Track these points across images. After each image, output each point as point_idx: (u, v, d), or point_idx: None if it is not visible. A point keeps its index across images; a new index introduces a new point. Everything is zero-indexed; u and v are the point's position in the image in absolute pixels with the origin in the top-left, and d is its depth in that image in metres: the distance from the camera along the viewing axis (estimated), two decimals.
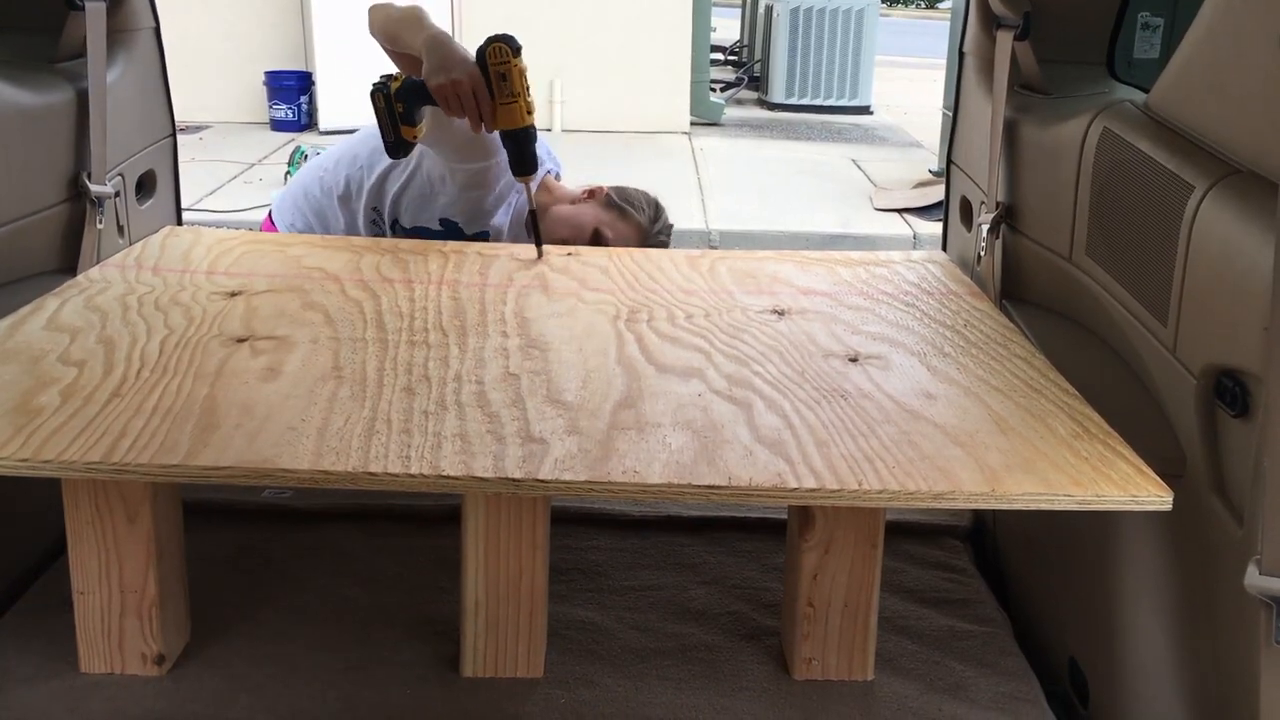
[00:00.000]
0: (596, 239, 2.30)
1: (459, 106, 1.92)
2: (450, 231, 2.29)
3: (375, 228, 2.35)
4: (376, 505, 2.00)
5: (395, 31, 2.02)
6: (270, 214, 2.47)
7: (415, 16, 2.01)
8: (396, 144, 1.98)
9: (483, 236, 2.31)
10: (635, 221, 2.33)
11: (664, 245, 2.37)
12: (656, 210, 2.41)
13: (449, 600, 1.67)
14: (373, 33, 2.08)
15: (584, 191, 2.36)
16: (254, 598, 1.74)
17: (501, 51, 1.90)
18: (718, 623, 1.74)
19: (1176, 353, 1.41)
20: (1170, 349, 1.42)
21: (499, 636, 1.56)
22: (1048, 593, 1.81)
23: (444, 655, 1.62)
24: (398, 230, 2.33)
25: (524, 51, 1.95)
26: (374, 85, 1.95)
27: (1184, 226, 1.39)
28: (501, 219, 2.32)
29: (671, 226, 2.44)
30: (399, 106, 1.94)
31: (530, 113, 1.96)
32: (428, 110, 2.02)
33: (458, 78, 1.90)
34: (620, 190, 2.39)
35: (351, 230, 2.35)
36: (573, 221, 2.30)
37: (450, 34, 1.98)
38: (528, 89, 1.93)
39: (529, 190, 2.10)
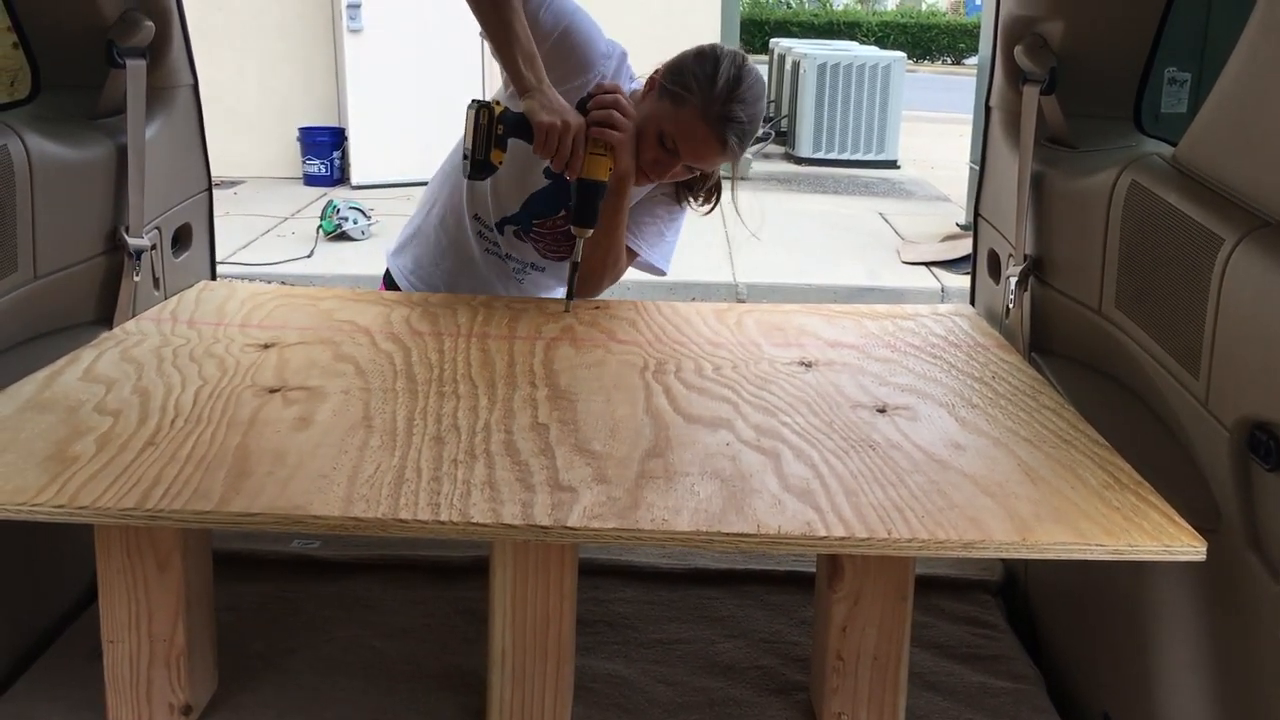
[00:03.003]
0: (664, 145, 1.98)
1: (554, 146, 1.91)
2: (558, 179, 2.08)
3: (483, 240, 2.23)
4: (403, 557, 2.00)
5: (496, 17, 1.90)
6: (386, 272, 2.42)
7: (532, 56, 1.92)
8: (483, 164, 1.96)
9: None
10: (691, 105, 1.93)
11: (740, 121, 1.93)
12: (715, 72, 1.93)
13: (475, 652, 1.67)
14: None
15: (645, 85, 2.04)
16: (281, 649, 1.75)
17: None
18: (746, 677, 1.72)
19: (1208, 406, 1.40)
20: (1202, 402, 1.41)
21: (525, 689, 1.55)
22: (1081, 648, 1.79)
23: (470, 707, 1.61)
24: (504, 228, 2.19)
25: None
26: (477, 102, 1.94)
27: (1214, 279, 1.39)
28: None
29: (758, 94, 1.96)
30: (499, 129, 1.94)
31: (608, 171, 1.97)
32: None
33: (568, 120, 1.91)
34: (676, 65, 1.99)
35: (461, 250, 2.25)
36: (638, 138, 2.00)
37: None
38: (612, 154, 1.96)
39: (579, 245, 2.04)
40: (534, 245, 2.22)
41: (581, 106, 1.97)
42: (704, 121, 1.93)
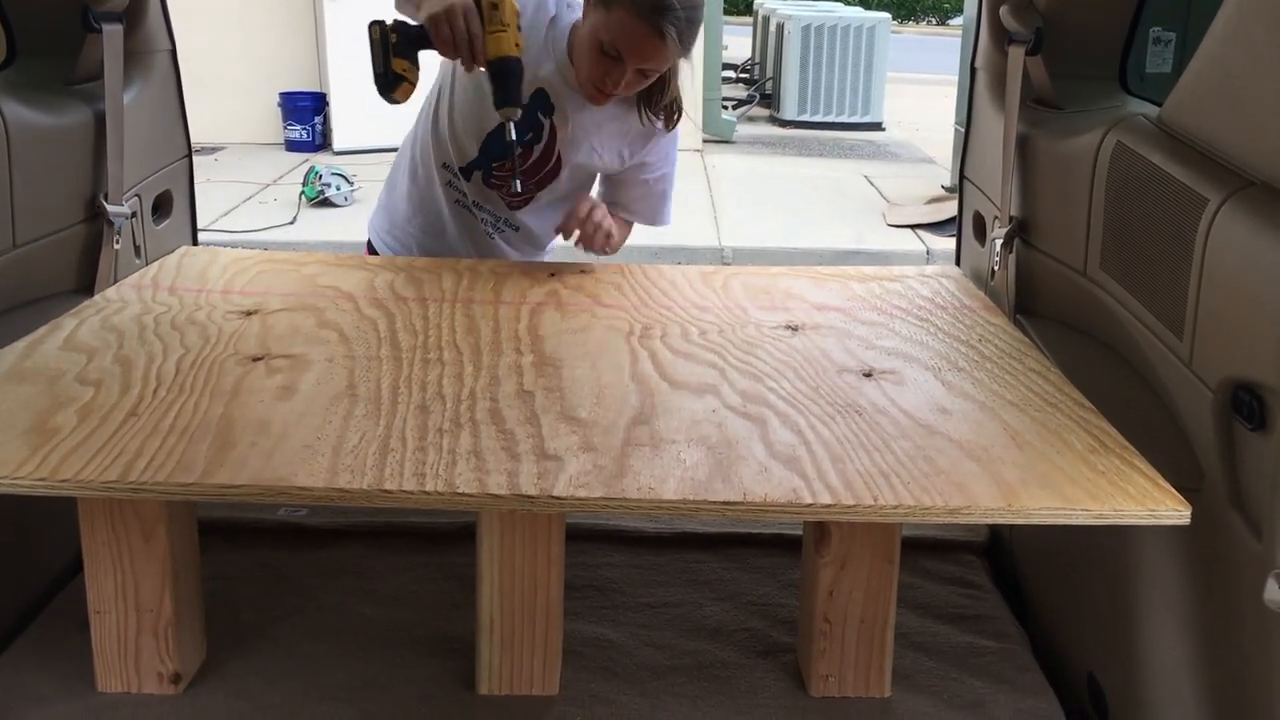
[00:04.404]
0: (607, 54, 1.94)
1: (450, 38, 1.87)
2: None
3: (453, 190, 2.21)
4: (391, 523, 2.00)
5: None
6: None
7: None
8: (386, 75, 1.94)
9: (542, 97, 2.08)
10: (620, 4, 1.89)
11: (673, 8, 1.87)
12: None
13: (464, 618, 1.67)
14: None
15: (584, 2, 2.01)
16: (269, 616, 1.75)
17: None
18: (733, 639, 1.73)
19: (1192, 366, 1.40)
20: (1186, 363, 1.42)
21: (514, 654, 1.56)
22: (1065, 608, 1.80)
23: (459, 673, 1.62)
24: (471, 173, 2.18)
25: None
26: (374, 21, 1.94)
27: (1199, 240, 1.38)
28: (548, 71, 2.07)
29: None
30: (394, 37, 1.94)
31: (518, 45, 1.92)
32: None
33: (452, 4, 1.86)
34: None
35: (430, 204, 2.24)
36: (580, 54, 1.99)
37: None
38: (518, 24, 1.92)
39: (509, 128, 1.97)
40: (503, 198, 2.22)
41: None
42: (636, 16, 1.88)
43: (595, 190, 2.31)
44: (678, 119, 2.18)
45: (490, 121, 2.09)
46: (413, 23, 1.93)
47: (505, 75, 1.92)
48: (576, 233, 2.12)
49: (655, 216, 2.32)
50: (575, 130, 2.12)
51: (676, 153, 2.27)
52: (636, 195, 2.26)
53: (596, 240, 2.12)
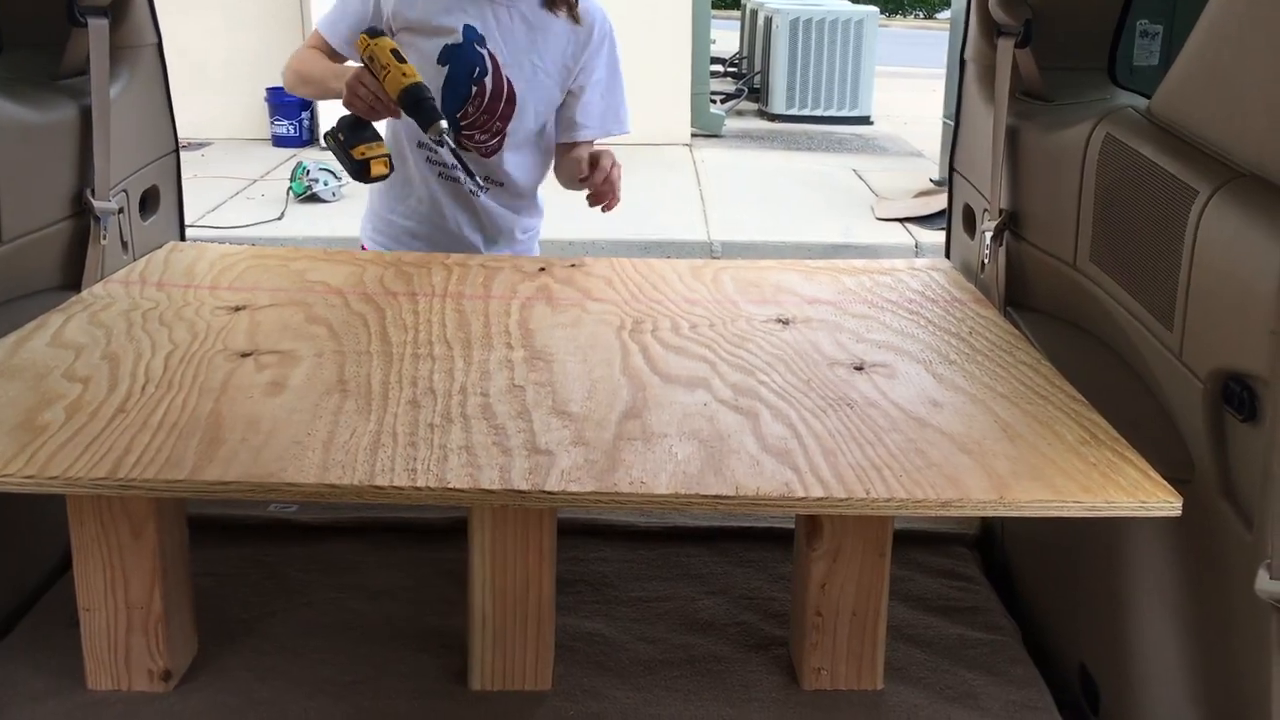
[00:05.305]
0: None
1: (364, 107, 2.06)
2: (451, 62, 2.21)
3: (434, 165, 2.28)
4: (383, 519, 1.99)
5: (319, 88, 2.24)
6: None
7: (333, 70, 2.20)
8: (353, 166, 2.12)
9: (471, 32, 2.18)
10: None
11: None
12: None
13: (456, 613, 1.67)
14: (291, 88, 2.33)
15: None
16: (260, 612, 1.74)
17: (362, 41, 2.07)
18: (726, 633, 1.73)
19: (1183, 358, 1.40)
20: (1176, 354, 1.42)
21: (506, 649, 1.56)
22: (1057, 599, 1.81)
23: (451, 668, 1.61)
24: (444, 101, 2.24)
25: None
26: (324, 134, 2.17)
27: (1188, 231, 1.39)
28: (470, 4, 2.18)
29: None
30: (341, 137, 2.13)
31: (406, 75, 2.02)
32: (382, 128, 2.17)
33: (349, 82, 2.05)
34: None
35: (414, 185, 2.31)
36: None
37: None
38: (396, 60, 2.02)
39: (446, 142, 2.06)
40: (475, 148, 2.26)
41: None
42: None
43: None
44: (575, 7, 2.25)
45: (436, 79, 2.19)
46: (350, 113, 2.13)
47: (414, 104, 2.04)
48: (594, 179, 2.15)
49: (615, 123, 2.35)
50: (512, 51, 2.20)
51: (615, 57, 2.32)
52: (586, 108, 2.29)
53: (611, 198, 2.15)
